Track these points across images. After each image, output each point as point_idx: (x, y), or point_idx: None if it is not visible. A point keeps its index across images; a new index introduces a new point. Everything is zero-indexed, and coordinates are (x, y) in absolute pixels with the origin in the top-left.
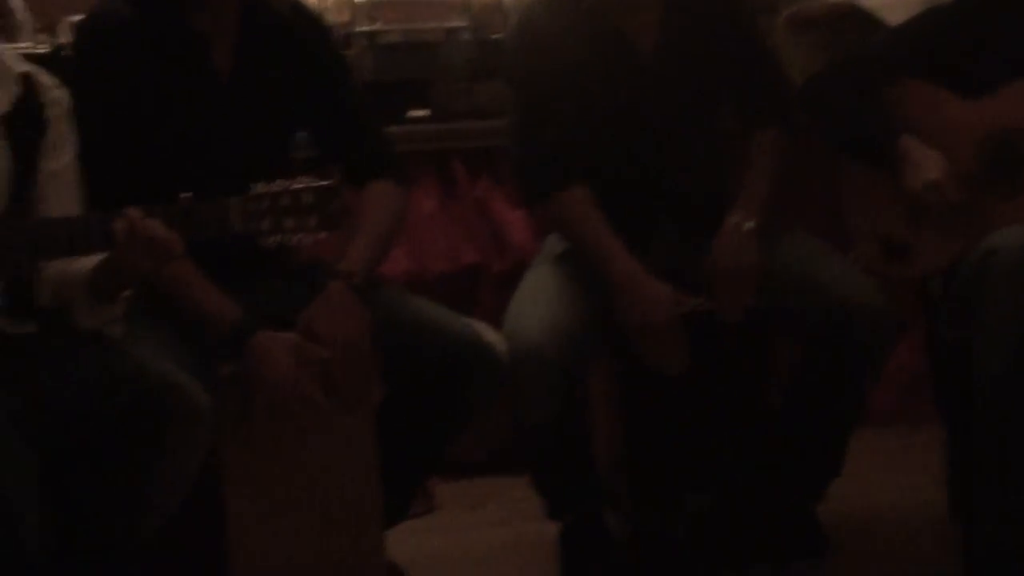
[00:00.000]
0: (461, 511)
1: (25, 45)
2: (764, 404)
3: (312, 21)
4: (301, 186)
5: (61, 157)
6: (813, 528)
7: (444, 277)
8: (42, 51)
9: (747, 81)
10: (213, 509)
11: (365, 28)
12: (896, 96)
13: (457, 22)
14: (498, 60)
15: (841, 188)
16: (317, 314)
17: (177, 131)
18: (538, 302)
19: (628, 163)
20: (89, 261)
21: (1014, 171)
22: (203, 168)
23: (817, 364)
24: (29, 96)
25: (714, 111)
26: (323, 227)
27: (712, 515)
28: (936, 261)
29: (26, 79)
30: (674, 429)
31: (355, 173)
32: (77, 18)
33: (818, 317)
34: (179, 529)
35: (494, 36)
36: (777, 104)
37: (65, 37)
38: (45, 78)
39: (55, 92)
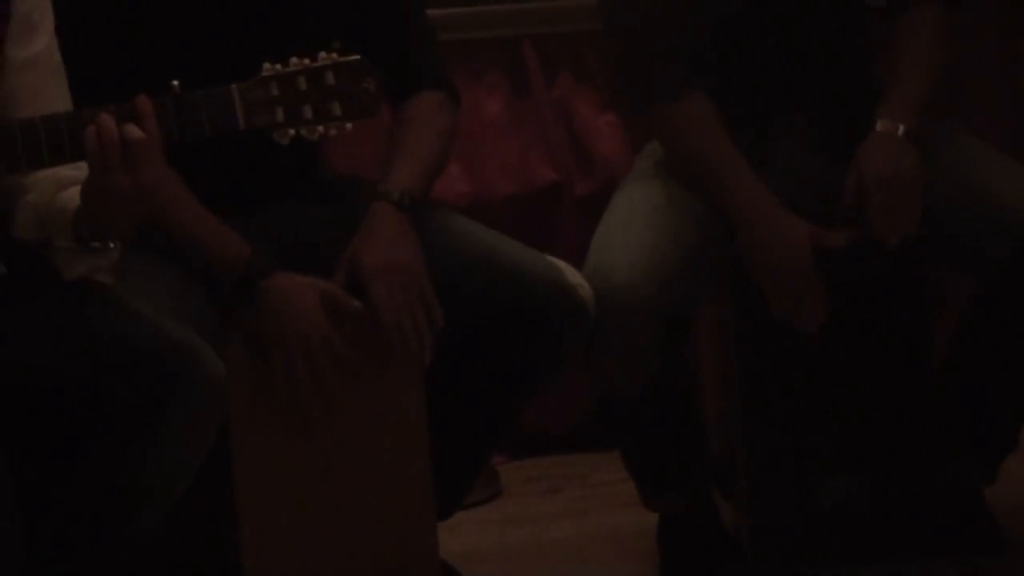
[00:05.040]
0: (533, 497)
1: None
2: (923, 359)
3: None
4: (321, 64)
5: (33, 42)
6: (984, 518)
7: (513, 201)
8: None
9: None
10: (222, 500)
11: None
12: None
13: None
14: None
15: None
16: (363, 245)
17: (164, 4)
18: (631, 230)
19: (744, 46)
20: (78, 192)
21: None
22: (198, 47)
23: (993, 305)
24: None
25: None
26: (351, 115)
27: (854, 502)
28: None
29: None
30: (807, 393)
31: (394, 84)
32: None
33: (995, 244)
34: (182, 527)
35: None
36: None
37: None
38: None
39: None
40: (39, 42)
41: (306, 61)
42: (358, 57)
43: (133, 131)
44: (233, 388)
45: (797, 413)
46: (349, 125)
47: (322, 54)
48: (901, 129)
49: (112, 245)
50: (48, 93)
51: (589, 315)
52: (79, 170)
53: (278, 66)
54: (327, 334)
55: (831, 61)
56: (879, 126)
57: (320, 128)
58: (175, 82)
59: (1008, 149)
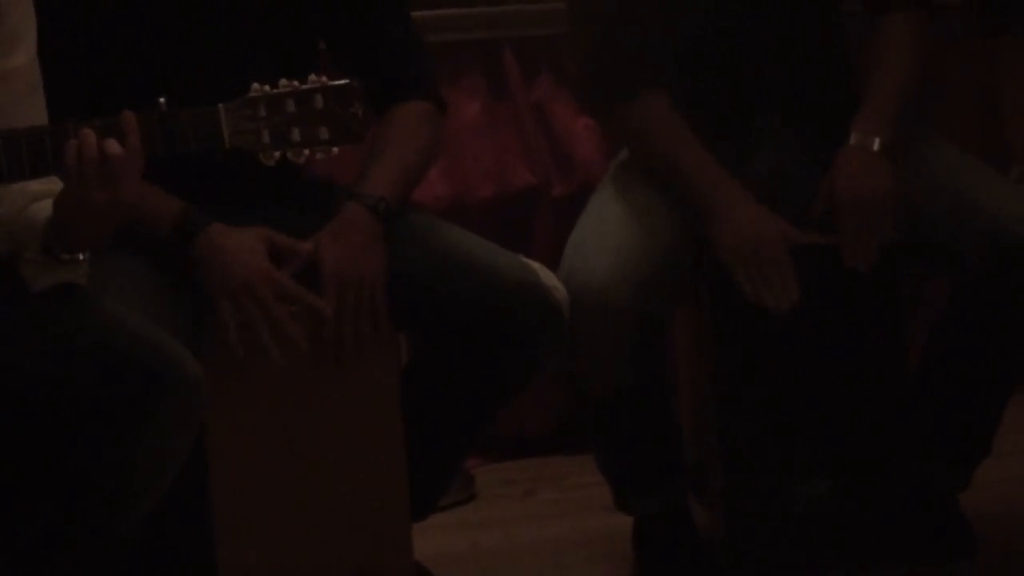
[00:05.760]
0: (507, 500)
1: None
2: (898, 364)
3: None
4: (310, 87)
5: (17, 54)
6: (957, 523)
7: (491, 203)
8: None
9: None
10: (198, 501)
11: None
12: None
13: None
14: None
15: (1001, 83)
16: (326, 239)
17: (153, 17)
18: (606, 232)
19: (719, 50)
20: (48, 205)
21: None
22: (187, 65)
23: (969, 310)
24: None
25: None
26: (338, 140)
27: (829, 507)
28: None
29: None
30: (782, 396)
31: (381, 93)
32: None
33: (971, 250)
34: (158, 527)
35: None
36: None
37: None
38: None
39: None
40: (19, 57)
41: (295, 83)
42: (347, 81)
43: (114, 147)
44: (209, 390)
45: (773, 418)
46: (335, 149)
47: (312, 76)
48: (876, 143)
49: (82, 257)
50: (20, 108)
51: (564, 317)
52: (50, 183)
53: (267, 87)
54: (267, 269)
55: (807, 63)
56: (853, 139)
57: (306, 151)
58: (162, 99)
59: (982, 155)
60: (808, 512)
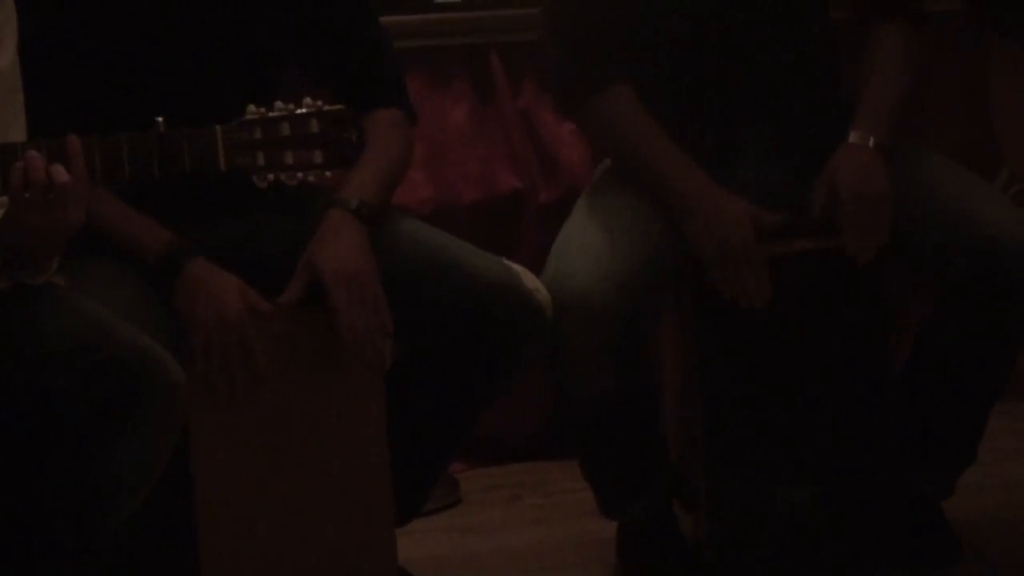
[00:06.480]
0: (492, 505)
1: None
2: (883, 371)
3: None
4: (306, 111)
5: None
6: (941, 529)
7: (476, 208)
8: None
9: None
10: (181, 504)
11: None
12: None
13: None
14: None
15: (992, 91)
16: (316, 246)
17: (145, 39)
18: (589, 237)
19: (709, 60)
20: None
21: None
22: (180, 87)
23: (953, 317)
24: None
25: None
26: (331, 164)
27: (813, 511)
28: None
29: None
30: (766, 401)
31: (351, 101)
32: None
33: (956, 256)
34: (141, 530)
35: None
36: None
37: None
38: None
39: None
40: (3, 58)
41: (291, 107)
42: (342, 106)
43: (60, 174)
44: (191, 393)
45: (757, 422)
46: (328, 173)
47: (307, 100)
48: (872, 141)
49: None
50: (7, 114)
51: (547, 320)
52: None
53: (262, 109)
54: (242, 320)
55: (798, 74)
56: (852, 137)
57: (299, 174)
58: (159, 119)
59: (972, 159)
60: (792, 517)
